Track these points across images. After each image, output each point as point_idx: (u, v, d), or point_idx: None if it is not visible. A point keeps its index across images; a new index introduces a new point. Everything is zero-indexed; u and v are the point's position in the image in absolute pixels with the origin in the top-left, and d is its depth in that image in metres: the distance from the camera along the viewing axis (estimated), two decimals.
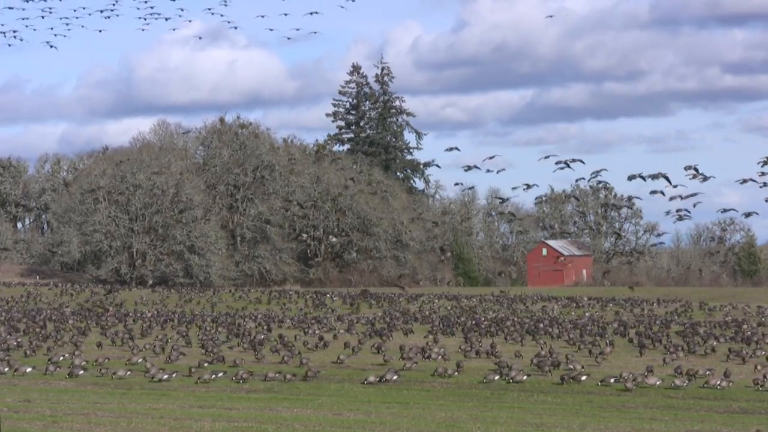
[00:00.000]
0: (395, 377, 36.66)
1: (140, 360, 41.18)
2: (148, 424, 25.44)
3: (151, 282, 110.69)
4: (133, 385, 35.62)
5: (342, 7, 56.46)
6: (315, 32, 37.41)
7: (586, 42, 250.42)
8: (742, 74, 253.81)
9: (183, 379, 36.92)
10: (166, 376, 36.63)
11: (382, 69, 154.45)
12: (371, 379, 36.59)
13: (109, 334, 52.71)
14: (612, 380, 36.19)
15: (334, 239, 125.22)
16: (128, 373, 37.63)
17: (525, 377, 36.96)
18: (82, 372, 37.97)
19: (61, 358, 41.46)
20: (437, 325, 58.44)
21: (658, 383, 35.60)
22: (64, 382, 36.63)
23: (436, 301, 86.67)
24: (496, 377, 36.98)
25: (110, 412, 27.84)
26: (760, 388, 35.16)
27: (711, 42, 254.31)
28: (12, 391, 33.24)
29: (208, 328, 56.77)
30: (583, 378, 36.68)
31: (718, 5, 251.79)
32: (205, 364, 40.08)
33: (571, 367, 38.98)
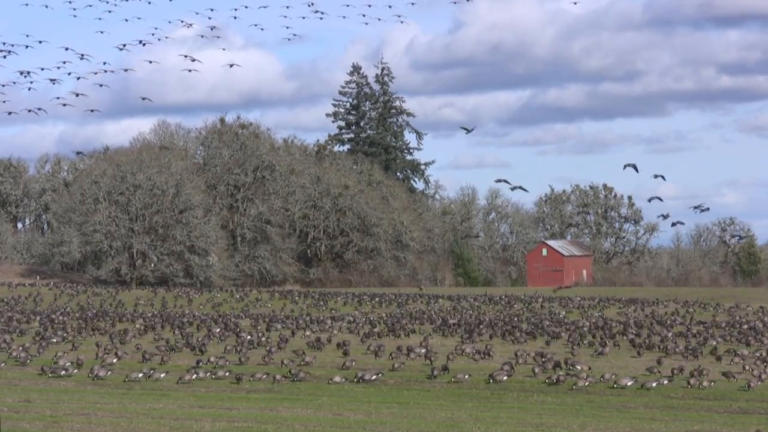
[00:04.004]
0: (374, 377, 36.88)
1: (115, 360, 41.18)
2: (148, 424, 25.46)
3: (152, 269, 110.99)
4: (133, 386, 35.65)
5: (368, 7, 55.92)
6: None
7: (583, 42, 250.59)
8: (738, 75, 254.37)
9: (171, 379, 36.81)
10: (140, 375, 36.58)
11: (382, 69, 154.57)
12: (337, 379, 36.69)
13: (108, 333, 52.77)
14: (586, 383, 35.77)
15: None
16: (108, 373, 37.57)
17: (506, 377, 36.93)
18: (63, 372, 37.96)
19: (37, 357, 41.72)
20: (438, 326, 58.52)
21: (630, 383, 35.58)
22: (65, 382, 36.64)
23: (440, 300, 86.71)
24: (467, 376, 36.99)
25: (110, 412, 27.85)
26: (748, 389, 35.16)
27: (706, 43, 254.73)
28: (12, 391, 33.25)
29: (208, 329, 56.77)
30: (562, 379, 36.48)
31: (712, 6, 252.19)
32: (201, 365, 40.07)
33: (579, 367, 38.98)
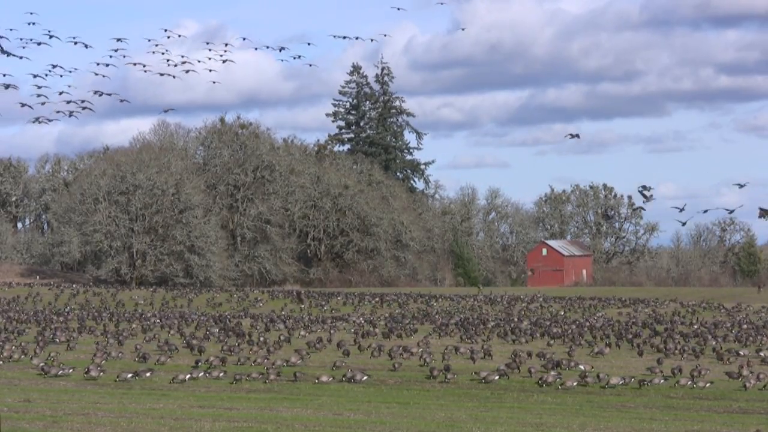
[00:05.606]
0: (364, 378, 36.94)
1: (104, 361, 41.13)
2: (148, 424, 25.45)
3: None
4: (133, 386, 35.63)
5: (390, 37, 55.59)
6: (309, 43, 36.54)
7: (581, 43, 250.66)
8: (737, 75, 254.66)
9: (167, 379, 36.76)
10: (129, 376, 36.56)
11: (382, 69, 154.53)
12: (324, 379, 36.74)
13: (105, 333, 52.80)
14: (574, 383, 35.69)
15: None
16: (101, 373, 37.52)
17: (497, 377, 36.92)
18: (61, 372, 37.94)
19: (22, 357, 41.91)
20: (439, 326, 58.53)
21: (620, 383, 35.57)
22: (64, 382, 36.62)
23: (439, 300, 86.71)
24: (455, 376, 37.05)
25: (110, 412, 27.84)
26: (744, 389, 35.16)
27: (704, 43, 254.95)
28: (12, 391, 33.23)
29: (207, 329, 56.76)
30: (550, 379, 36.40)
31: (710, 6, 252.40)
32: (200, 365, 40.07)
33: (582, 368, 38.98)
